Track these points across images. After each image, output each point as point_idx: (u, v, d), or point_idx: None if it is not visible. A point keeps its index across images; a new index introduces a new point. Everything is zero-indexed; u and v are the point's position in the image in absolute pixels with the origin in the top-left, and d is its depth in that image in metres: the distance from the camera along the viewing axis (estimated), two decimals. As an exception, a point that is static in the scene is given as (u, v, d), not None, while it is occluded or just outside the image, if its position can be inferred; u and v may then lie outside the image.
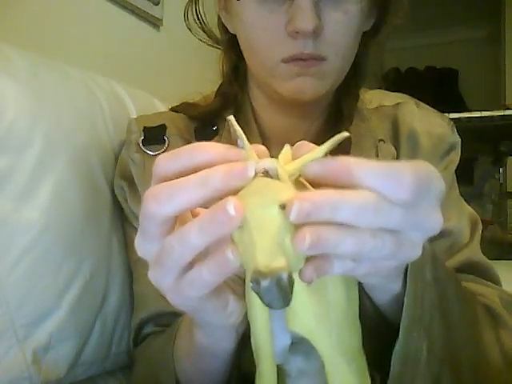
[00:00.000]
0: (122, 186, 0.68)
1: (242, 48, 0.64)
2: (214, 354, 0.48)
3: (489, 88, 3.02)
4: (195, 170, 0.32)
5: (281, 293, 0.29)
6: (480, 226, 0.68)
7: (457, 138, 0.70)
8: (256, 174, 0.32)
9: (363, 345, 0.39)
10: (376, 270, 0.35)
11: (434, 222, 0.34)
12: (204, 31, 0.71)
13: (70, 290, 0.63)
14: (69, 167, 0.65)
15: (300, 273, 0.32)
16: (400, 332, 0.42)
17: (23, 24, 0.93)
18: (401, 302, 0.43)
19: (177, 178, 0.33)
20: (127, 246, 0.71)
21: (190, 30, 0.71)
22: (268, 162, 0.33)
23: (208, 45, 0.73)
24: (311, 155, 0.33)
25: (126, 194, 0.68)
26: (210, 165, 0.32)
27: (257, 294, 0.30)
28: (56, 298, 0.61)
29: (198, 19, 0.71)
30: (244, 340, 0.49)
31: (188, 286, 0.34)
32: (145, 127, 0.68)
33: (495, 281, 0.64)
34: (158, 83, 1.25)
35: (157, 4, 1.36)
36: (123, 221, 0.71)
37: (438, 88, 3.06)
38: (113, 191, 0.71)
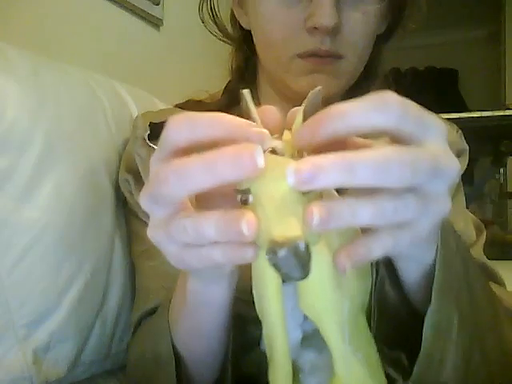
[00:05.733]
0: (127, 179, 0.68)
1: (256, 42, 0.65)
2: (206, 302, 0.45)
3: (489, 88, 3.02)
4: (209, 144, 0.30)
5: (299, 262, 0.28)
6: (484, 232, 0.67)
7: (465, 146, 0.70)
8: (264, 152, 0.31)
9: (382, 336, 0.38)
10: (414, 238, 0.32)
11: (451, 163, 0.31)
12: (216, 25, 0.72)
13: (70, 289, 0.63)
14: (70, 166, 0.65)
15: (333, 260, 0.30)
16: (432, 297, 0.40)
17: (23, 24, 0.93)
18: (430, 277, 0.41)
19: (187, 149, 0.31)
20: (131, 238, 0.70)
21: (202, 21, 0.71)
22: (274, 142, 0.32)
23: (219, 39, 0.73)
24: (298, 120, 0.33)
25: (132, 187, 0.68)
26: (225, 141, 0.30)
27: (274, 266, 0.28)
28: (56, 297, 0.61)
29: (212, 12, 0.71)
30: (243, 341, 0.48)
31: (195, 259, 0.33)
32: (151, 123, 0.68)
33: (502, 284, 0.63)
34: (158, 83, 1.25)
35: (157, 4, 1.36)
36: (127, 214, 0.71)
37: (438, 88, 3.06)
38: (116, 190, 0.71)
